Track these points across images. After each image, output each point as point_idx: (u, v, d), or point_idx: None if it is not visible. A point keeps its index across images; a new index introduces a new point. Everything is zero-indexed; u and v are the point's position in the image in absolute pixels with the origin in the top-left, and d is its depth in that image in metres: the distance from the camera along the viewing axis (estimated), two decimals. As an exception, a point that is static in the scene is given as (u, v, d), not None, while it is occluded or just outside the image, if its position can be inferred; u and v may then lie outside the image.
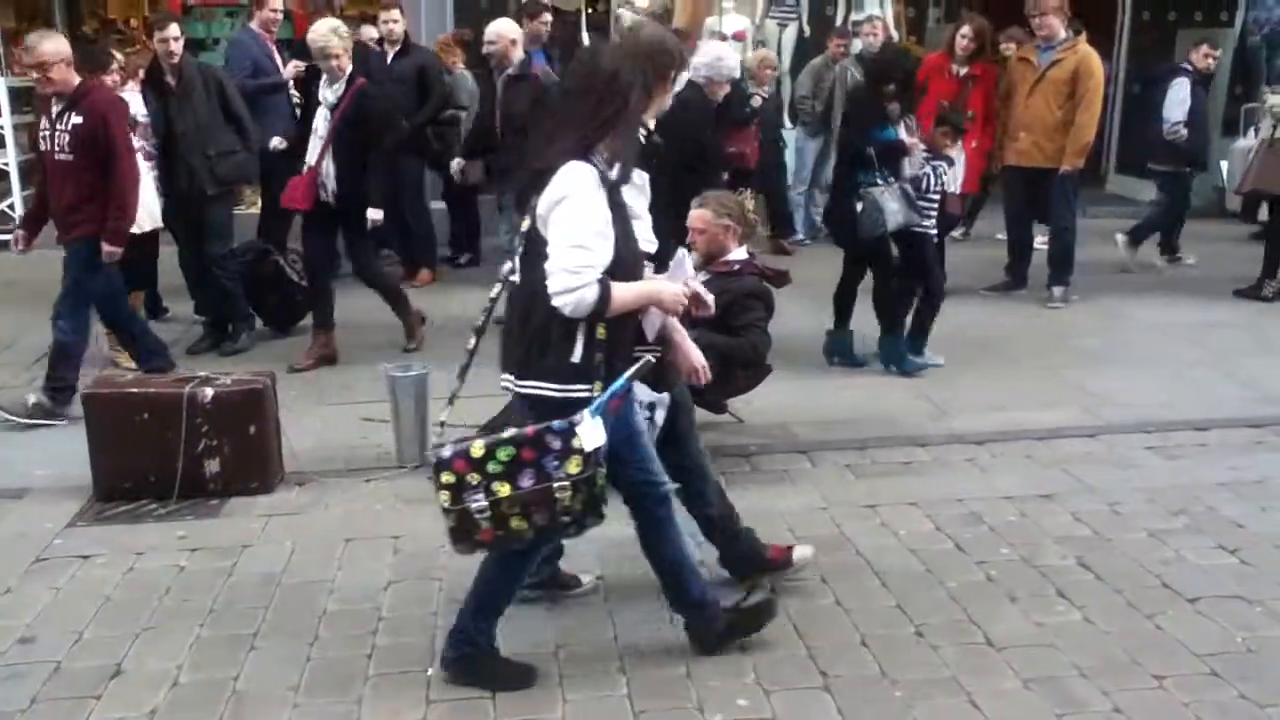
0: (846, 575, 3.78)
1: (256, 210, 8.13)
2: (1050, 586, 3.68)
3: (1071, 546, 3.98)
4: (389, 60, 7.93)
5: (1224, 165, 10.26)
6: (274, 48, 7.61)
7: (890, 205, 5.64)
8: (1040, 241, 7.99)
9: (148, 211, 6.12)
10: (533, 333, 2.84)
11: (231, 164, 6.45)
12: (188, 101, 6.27)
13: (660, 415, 3.44)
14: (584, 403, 2.82)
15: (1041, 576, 3.75)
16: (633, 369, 2.90)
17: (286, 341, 6.71)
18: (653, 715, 3.00)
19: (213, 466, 4.42)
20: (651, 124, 3.09)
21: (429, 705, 3.06)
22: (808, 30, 10.56)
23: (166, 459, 4.35)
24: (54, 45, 5.07)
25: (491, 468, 2.79)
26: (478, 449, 2.80)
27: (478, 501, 2.80)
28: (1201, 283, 8.07)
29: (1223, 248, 8.97)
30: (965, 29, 7.39)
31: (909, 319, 6.11)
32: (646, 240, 3.10)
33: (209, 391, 4.39)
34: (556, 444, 2.78)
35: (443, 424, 2.94)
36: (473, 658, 3.14)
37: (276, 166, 7.68)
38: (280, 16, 7.65)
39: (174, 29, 6.24)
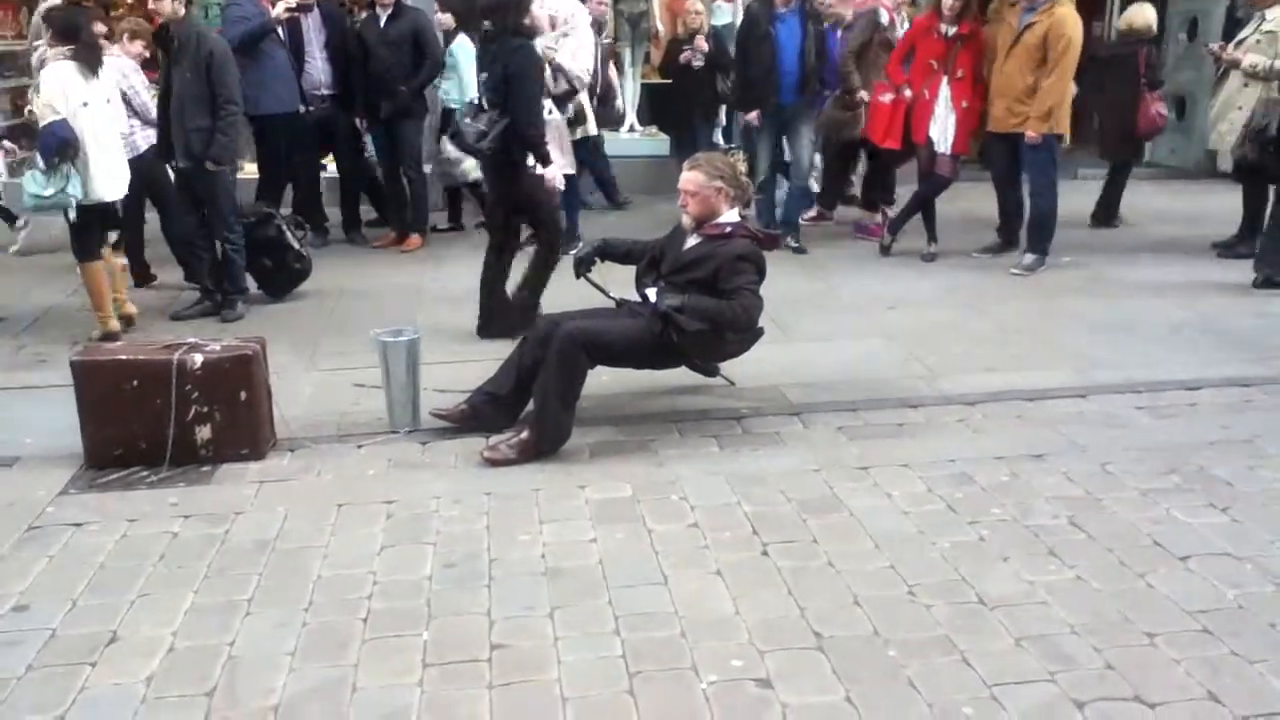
0: (839, 536, 3.80)
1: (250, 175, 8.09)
2: (1042, 546, 3.70)
3: (1063, 506, 3.99)
4: (382, 24, 7.84)
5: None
6: (269, 7, 7.55)
7: None
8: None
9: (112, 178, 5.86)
10: None
11: (204, 141, 6.19)
12: (178, 66, 6.19)
13: None
14: None
15: (1033, 536, 3.77)
16: None
17: (282, 307, 6.70)
18: (648, 676, 3.01)
19: (204, 433, 4.40)
20: None
21: (425, 669, 3.06)
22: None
23: (157, 426, 4.34)
24: None
25: None
26: None
27: None
28: (1191, 243, 8.08)
29: (1212, 209, 8.95)
30: None
31: None
32: None
33: (198, 358, 4.36)
34: None
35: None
36: None
37: (275, 127, 7.64)
38: None
39: None
